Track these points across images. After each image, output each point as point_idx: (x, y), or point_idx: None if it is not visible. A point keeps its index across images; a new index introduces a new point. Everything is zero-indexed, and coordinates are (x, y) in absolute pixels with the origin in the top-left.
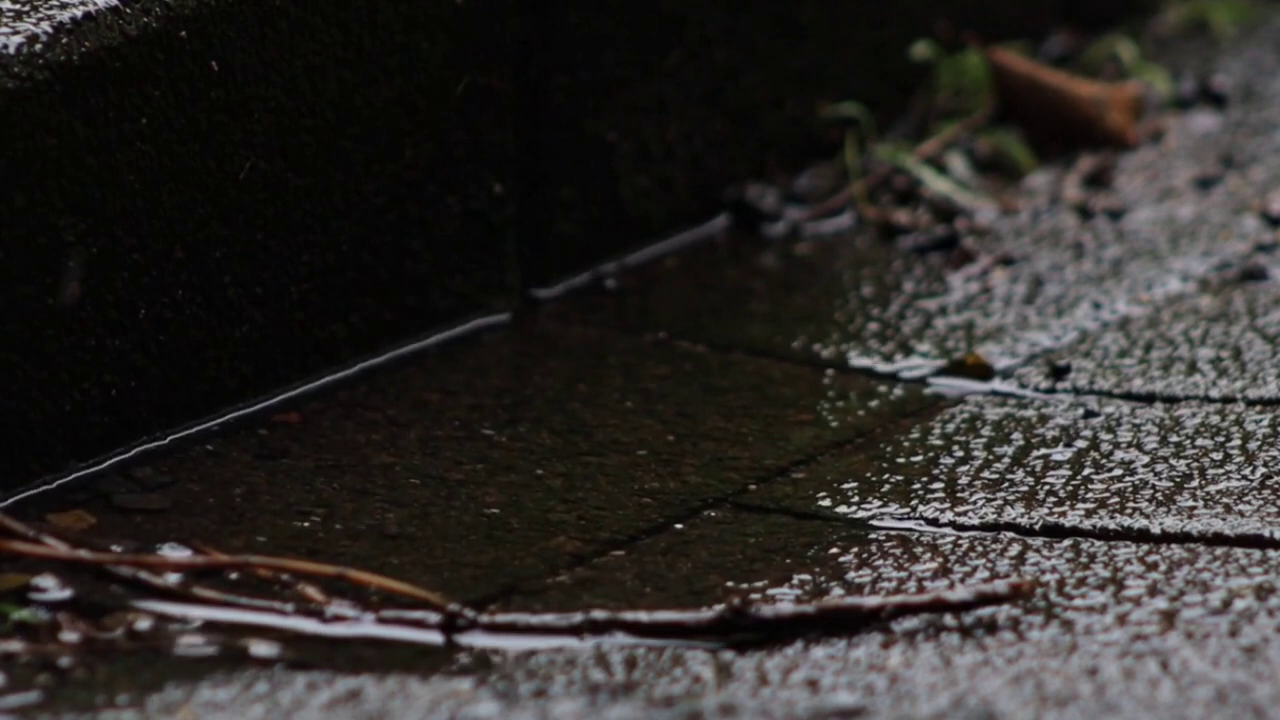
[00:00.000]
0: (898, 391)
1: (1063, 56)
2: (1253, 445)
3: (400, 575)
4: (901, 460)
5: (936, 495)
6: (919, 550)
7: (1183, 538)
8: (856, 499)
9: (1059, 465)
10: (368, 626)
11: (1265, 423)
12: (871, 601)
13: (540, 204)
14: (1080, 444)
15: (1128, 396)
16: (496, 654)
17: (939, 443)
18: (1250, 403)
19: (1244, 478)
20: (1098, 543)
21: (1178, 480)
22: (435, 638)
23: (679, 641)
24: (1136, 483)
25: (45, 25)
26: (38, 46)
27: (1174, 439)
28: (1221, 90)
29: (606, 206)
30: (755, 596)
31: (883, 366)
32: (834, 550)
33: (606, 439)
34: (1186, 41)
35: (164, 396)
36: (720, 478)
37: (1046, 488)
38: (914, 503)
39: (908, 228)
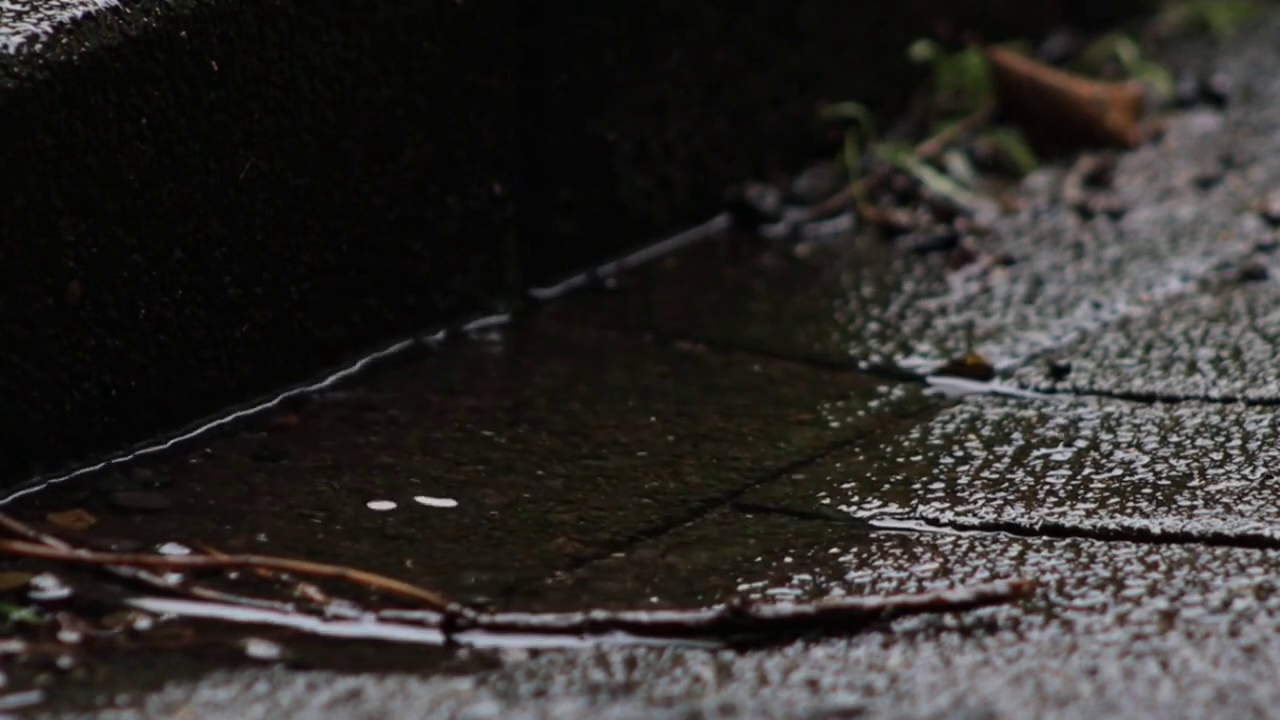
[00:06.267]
0: (898, 391)
1: (1063, 56)
2: (1253, 445)
3: (400, 575)
4: (901, 460)
5: (936, 495)
6: (919, 550)
7: (1183, 538)
8: (856, 499)
9: (1059, 465)
10: (368, 626)
11: (1265, 423)
12: (871, 601)
13: (540, 204)
14: (1080, 444)
15: (1128, 396)
16: (496, 654)
17: (939, 443)
18: (1250, 403)
19: (1244, 478)
20: (1098, 543)
21: (1178, 480)
22: (435, 638)
23: (679, 641)
24: (1136, 482)
25: (45, 25)
26: (38, 46)
27: (1174, 439)
28: (1221, 90)
29: (606, 206)
30: (755, 596)
31: (883, 367)
32: (834, 550)
33: (606, 439)
34: (1186, 41)
35: (164, 396)
36: (720, 478)
37: (1046, 488)
38: (914, 503)
39: (908, 228)
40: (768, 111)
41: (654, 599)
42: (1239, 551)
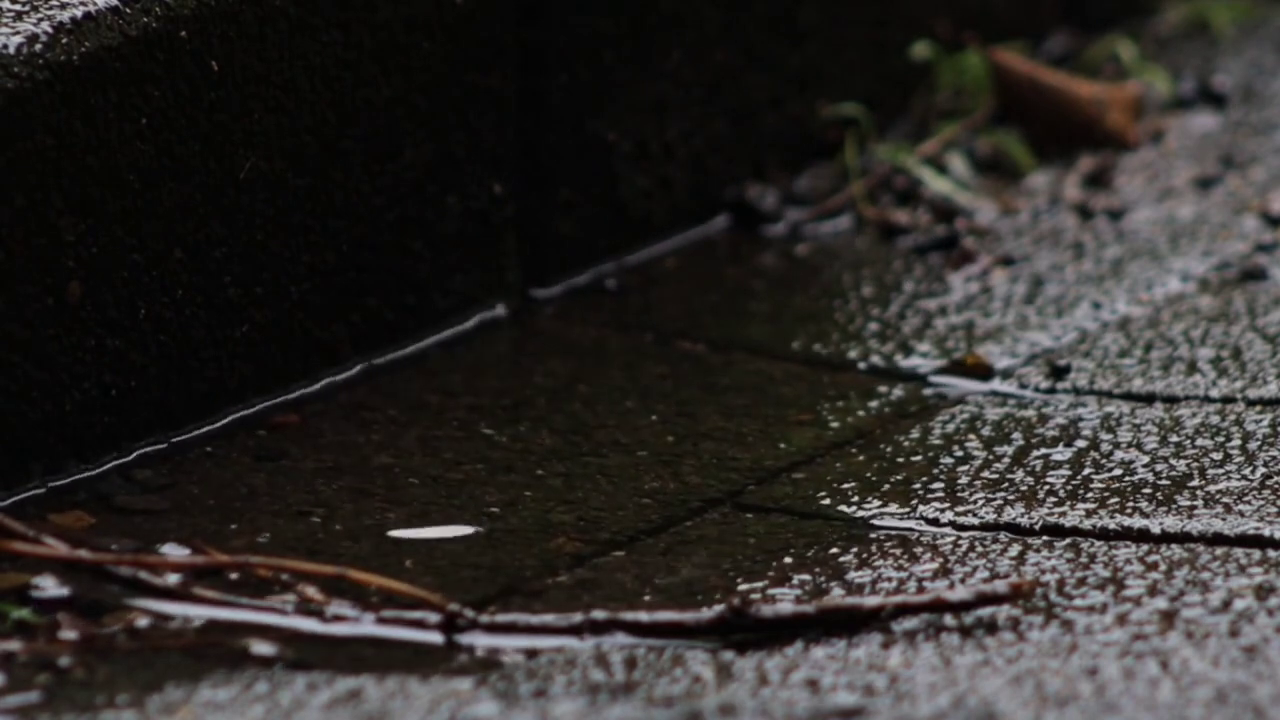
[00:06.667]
0: (898, 391)
1: (1063, 56)
2: (1253, 445)
3: (400, 575)
4: (901, 460)
5: (936, 495)
6: (919, 550)
7: (1183, 538)
8: (856, 499)
9: (1059, 465)
10: (368, 626)
11: (1265, 423)
12: (871, 601)
13: (540, 204)
14: (1080, 444)
15: (1128, 396)
16: (496, 654)
17: (939, 443)
18: (1250, 403)
19: (1244, 478)
20: (1098, 543)
21: (1178, 480)
22: (435, 638)
23: (679, 641)
24: (1136, 482)
25: (45, 25)
26: (38, 46)
27: (1174, 439)
28: (1221, 90)
29: (606, 206)
30: (755, 596)
31: (883, 366)
32: (834, 550)
33: (606, 439)
34: (1186, 41)
35: (164, 396)
36: (720, 478)
37: (1046, 488)
38: (914, 503)
39: (908, 228)
40: (768, 111)
41: (654, 599)
42: (1239, 551)
